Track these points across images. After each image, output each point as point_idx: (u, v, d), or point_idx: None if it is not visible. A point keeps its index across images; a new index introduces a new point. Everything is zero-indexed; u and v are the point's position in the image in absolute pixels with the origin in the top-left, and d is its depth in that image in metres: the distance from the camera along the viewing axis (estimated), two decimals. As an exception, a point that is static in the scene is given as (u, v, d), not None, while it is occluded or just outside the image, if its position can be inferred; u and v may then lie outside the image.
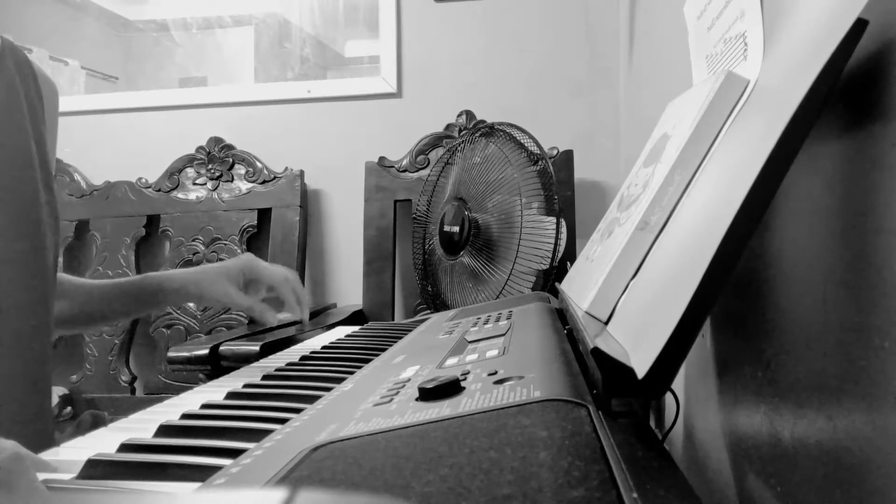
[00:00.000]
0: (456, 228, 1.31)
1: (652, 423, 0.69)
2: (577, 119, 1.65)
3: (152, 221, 1.77)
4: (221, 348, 1.18)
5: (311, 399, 0.49)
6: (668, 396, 0.57)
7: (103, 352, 1.70)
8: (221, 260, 1.70)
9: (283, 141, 1.78)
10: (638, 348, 0.32)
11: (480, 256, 1.28)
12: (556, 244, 1.21)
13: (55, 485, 0.38)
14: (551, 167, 1.27)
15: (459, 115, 1.65)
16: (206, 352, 1.17)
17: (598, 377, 0.35)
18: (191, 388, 0.69)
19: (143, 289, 0.87)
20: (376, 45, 1.74)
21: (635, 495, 0.23)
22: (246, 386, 0.58)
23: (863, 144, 0.29)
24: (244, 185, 1.75)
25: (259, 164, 1.75)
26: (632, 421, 0.33)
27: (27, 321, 0.67)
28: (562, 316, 0.69)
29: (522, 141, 1.31)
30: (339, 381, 0.55)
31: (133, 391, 1.69)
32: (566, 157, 1.55)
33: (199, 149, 1.77)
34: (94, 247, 1.78)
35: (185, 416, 0.50)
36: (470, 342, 0.56)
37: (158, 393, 1.66)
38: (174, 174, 1.77)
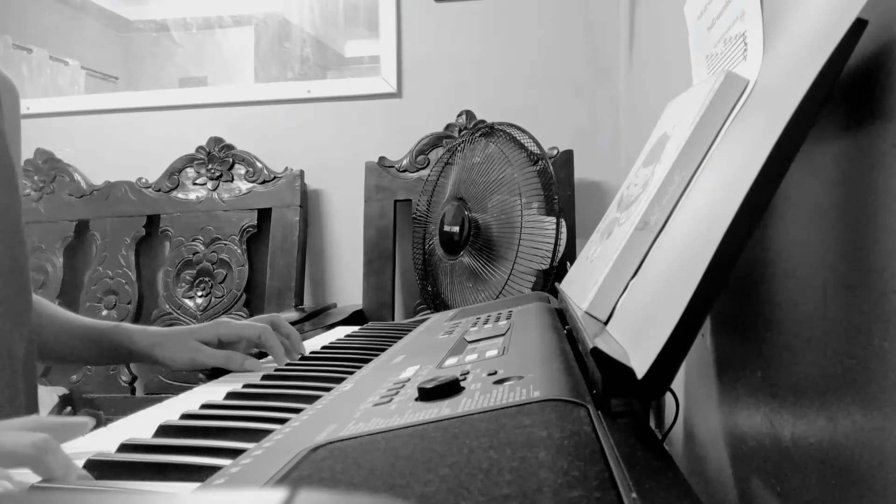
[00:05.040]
0: (456, 228, 1.31)
1: (652, 423, 0.69)
2: (577, 119, 1.65)
3: (152, 221, 1.77)
4: (221, 348, 1.18)
5: (311, 399, 0.49)
6: (668, 396, 0.57)
7: (103, 352, 1.70)
8: (222, 260, 1.71)
9: (283, 141, 1.78)
10: (637, 348, 0.32)
11: (480, 256, 1.28)
12: (556, 244, 1.21)
13: (55, 485, 0.38)
14: (551, 167, 1.27)
15: (459, 115, 1.65)
16: (206, 352, 1.17)
17: (597, 377, 0.35)
18: (191, 388, 0.69)
19: (111, 340, 0.83)
20: (376, 45, 1.74)
21: (634, 495, 0.23)
22: (246, 386, 0.58)
23: (863, 144, 0.29)
24: (244, 185, 1.75)
25: (259, 164, 1.75)
26: (631, 421, 0.33)
27: (9, 316, 0.67)
28: (562, 316, 0.69)
29: (522, 141, 1.31)
30: (339, 381, 0.55)
31: (133, 391, 1.69)
32: (566, 157, 1.55)
33: (199, 149, 1.77)
34: (94, 247, 1.78)
35: (184, 416, 0.50)
36: (470, 342, 0.56)
37: (158, 393, 1.66)
38: (174, 174, 1.77)
